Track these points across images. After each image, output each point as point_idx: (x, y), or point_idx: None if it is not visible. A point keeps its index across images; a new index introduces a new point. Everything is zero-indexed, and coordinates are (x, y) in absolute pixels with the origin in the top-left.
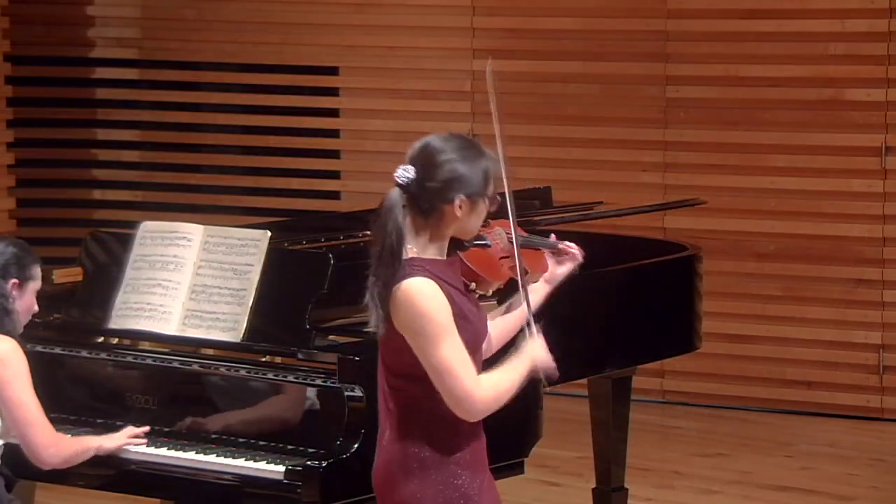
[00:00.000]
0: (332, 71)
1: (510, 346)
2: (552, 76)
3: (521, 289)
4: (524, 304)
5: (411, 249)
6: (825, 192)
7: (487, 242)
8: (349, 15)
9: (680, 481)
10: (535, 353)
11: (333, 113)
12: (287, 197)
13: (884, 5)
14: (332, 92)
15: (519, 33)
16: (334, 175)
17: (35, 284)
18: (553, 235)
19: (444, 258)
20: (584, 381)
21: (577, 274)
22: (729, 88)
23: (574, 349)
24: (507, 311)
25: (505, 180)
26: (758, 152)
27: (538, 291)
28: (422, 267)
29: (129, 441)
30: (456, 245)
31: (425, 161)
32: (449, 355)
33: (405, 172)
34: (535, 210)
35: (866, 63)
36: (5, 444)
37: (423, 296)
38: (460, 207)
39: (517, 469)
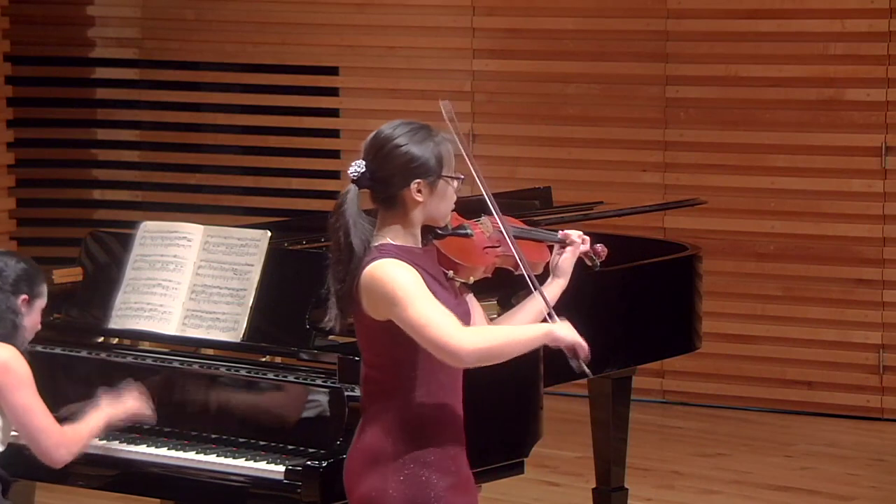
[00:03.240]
0: (332, 71)
1: None
2: (552, 76)
3: (526, 278)
4: (537, 296)
5: (385, 239)
6: (825, 192)
7: (468, 231)
8: (349, 15)
9: (680, 481)
10: (559, 328)
11: (333, 113)
12: (287, 197)
13: (884, 5)
14: (332, 92)
15: (519, 33)
16: (334, 175)
17: (42, 302)
18: (560, 232)
19: (419, 247)
20: (584, 380)
21: (596, 270)
22: (729, 88)
23: None
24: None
25: (478, 178)
26: (758, 152)
27: (550, 287)
28: (391, 252)
29: (138, 409)
30: (431, 234)
31: (375, 152)
32: (423, 308)
33: (356, 167)
34: (535, 210)
35: (866, 63)
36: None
37: (387, 270)
38: (419, 191)
39: (517, 469)
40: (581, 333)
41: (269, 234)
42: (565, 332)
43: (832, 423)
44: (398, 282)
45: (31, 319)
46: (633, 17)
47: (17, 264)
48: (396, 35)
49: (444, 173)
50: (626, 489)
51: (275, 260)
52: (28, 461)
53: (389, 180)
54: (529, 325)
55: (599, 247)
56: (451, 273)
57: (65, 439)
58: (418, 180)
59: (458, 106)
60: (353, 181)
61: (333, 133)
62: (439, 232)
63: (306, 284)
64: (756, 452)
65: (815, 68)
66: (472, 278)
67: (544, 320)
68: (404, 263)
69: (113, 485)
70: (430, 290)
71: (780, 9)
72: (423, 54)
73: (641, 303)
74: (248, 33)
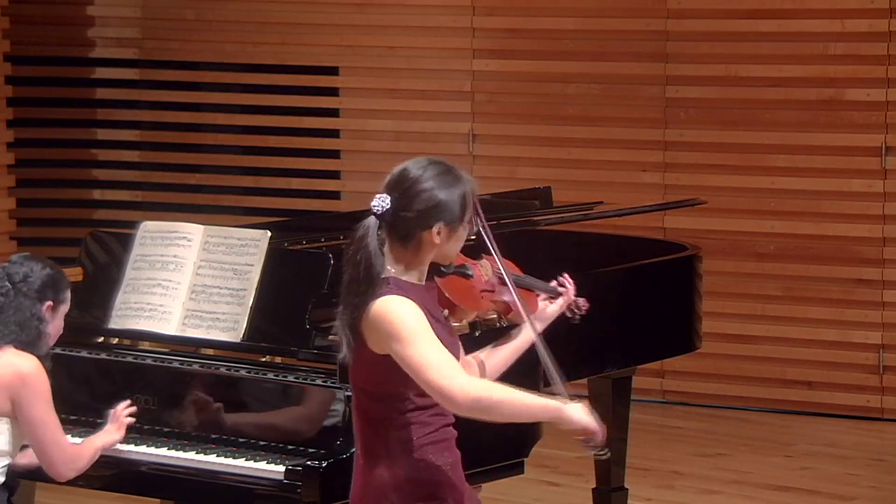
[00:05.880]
0: (332, 71)
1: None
2: (552, 76)
3: (527, 324)
4: (527, 339)
5: (390, 272)
6: (825, 192)
7: (469, 272)
8: (349, 15)
9: (680, 481)
10: (570, 409)
11: (333, 113)
12: (287, 197)
13: (884, 5)
14: (332, 92)
15: (519, 33)
16: (334, 175)
17: (65, 308)
18: (554, 281)
19: (423, 283)
20: (584, 381)
21: (576, 322)
22: (729, 88)
23: (573, 349)
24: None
25: (483, 226)
26: (758, 152)
27: (527, 331)
28: (399, 287)
29: (124, 423)
30: (434, 271)
31: (402, 190)
32: (424, 350)
33: (381, 202)
34: (535, 210)
35: (866, 63)
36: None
37: (397, 309)
38: (438, 234)
39: (517, 469)
40: (581, 333)
41: (269, 234)
42: (577, 414)
43: (832, 423)
44: (403, 319)
45: (55, 326)
46: (633, 17)
47: (42, 270)
48: (396, 35)
49: (465, 218)
50: (626, 489)
51: (275, 260)
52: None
53: (412, 220)
54: (540, 398)
55: (582, 301)
56: (445, 312)
57: (73, 456)
58: (441, 224)
59: (458, 106)
60: (376, 214)
61: (333, 133)
62: (442, 270)
63: (306, 284)
64: (756, 452)
65: (815, 68)
66: (464, 320)
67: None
68: (410, 301)
69: (113, 485)
70: (431, 328)
71: (780, 9)
72: (423, 54)
73: (641, 303)
74: (248, 33)
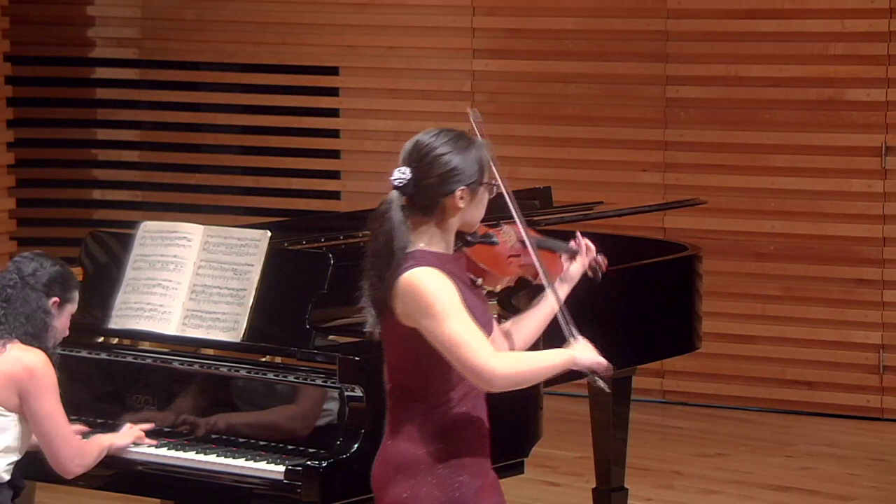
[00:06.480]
0: (332, 71)
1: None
2: (552, 76)
3: (547, 288)
4: (554, 304)
5: (418, 245)
6: (825, 192)
7: (494, 240)
8: (349, 15)
9: (680, 481)
10: (579, 352)
11: (333, 113)
12: (287, 197)
13: (884, 5)
14: (332, 92)
15: (519, 33)
16: (334, 175)
17: (72, 308)
18: (573, 241)
19: (450, 253)
20: (584, 380)
21: (598, 280)
22: (729, 88)
23: None
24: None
25: (501, 182)
26: (758, 152)
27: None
28: (426, 259)
29: (136, 438)
30: (461, 241)
31: (419, 159)
32: (458, 329)
33: (401, 174)
34: (535, 210)
35: (866, 63)
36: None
37: (427, 281)
38: (461, 198)
39: (517, 469)
40: (580, 333)
41: (269, 234)
42: (586, 354)
43: (832, 423)
44: (437, 295)
45: (61, 322)
46: (633, 17)
47: (51, 266)
48: (396, 35)
49: (484, 180)
50: (626, 489)
51: (275, 260)
52: (29, 461)
53: (434, 188)
54: (554, 352)
55: (601, 257)
56: (479, 280)
57: (80, 451)
58: (462, 187)
59: (458, 106)
60: (397, 188)
61: (333, 133)
62: (469, 239)
63: (306, 284)
64: (756, 452)
65: (815, 68)
66: (498, 287)
67: (562, 336)
68: (442, 275)
69: (113, 485)
70: (463, 297)
71: (780, 9)
72: (423, 54)
73: (642, 303)
74: (248, 33)
